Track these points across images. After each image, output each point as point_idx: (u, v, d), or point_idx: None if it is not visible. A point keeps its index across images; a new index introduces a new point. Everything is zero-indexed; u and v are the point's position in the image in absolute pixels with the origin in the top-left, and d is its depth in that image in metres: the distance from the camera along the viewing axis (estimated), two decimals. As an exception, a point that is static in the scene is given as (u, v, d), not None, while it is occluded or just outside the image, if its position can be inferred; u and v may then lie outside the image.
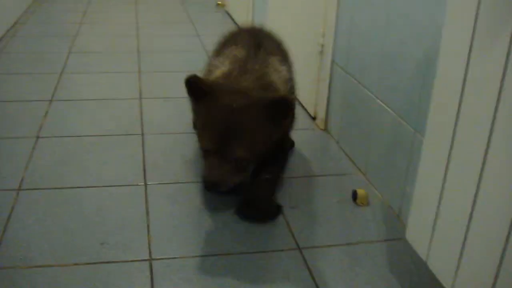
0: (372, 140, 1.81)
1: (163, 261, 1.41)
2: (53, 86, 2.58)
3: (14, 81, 2.66)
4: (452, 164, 1.08)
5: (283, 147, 1.84)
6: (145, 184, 1.77)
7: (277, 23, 2.69)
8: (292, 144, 2.04)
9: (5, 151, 1.96)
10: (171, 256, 1.43)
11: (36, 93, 2.49)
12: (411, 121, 1.54)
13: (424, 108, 1.41)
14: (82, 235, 1.50)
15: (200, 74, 1.48)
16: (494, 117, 0.95)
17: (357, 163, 1.94)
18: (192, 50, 3.32)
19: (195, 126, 1.75)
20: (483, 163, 0.98)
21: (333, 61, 2.13)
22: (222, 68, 1.65)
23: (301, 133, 2.05)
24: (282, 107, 1.46)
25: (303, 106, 2.43)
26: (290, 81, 1.72)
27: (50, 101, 2.41)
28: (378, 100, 1.74)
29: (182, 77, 1.46)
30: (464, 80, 1.03)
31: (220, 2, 4.60)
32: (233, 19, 4.07)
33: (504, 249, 0.93)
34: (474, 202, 1.01)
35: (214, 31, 3.81)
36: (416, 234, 1.24)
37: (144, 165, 1.89)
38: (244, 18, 3.67)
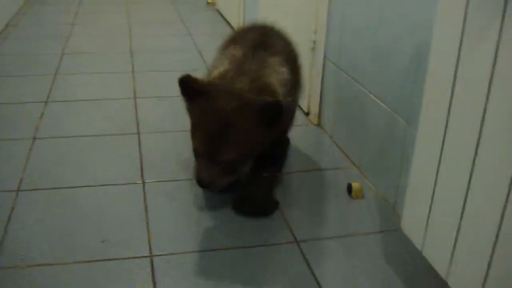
0: (366, 134, 1.83)
1: (163, 257, 1.43)
2: (48, 87, 2.59)
3: (9, 83, 2.66)
4: (444, 157, 1.11)
5: (282, 145, 1.84)
6: (143, 182, 1.79)
7: (268, 20, 2.70)
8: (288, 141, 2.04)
9: (3, 153, 1.97)
10: (172, 252, 1.45)
11: (31, 95, 2.49)
12: (404, 115, 1.56)
13: (416, 102, 1.44)
14: (82, 234, 1.52)
15: (192, 73, 1.49)
16: (484, 112, 0.98)
17: (351, 157, 1.97)
18: (184, 49, 3.33)
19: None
20: (475, 155, 1.01)
21: (325, 57, 2.15)
22: (220, 68, 1.61)
23: (295, 129, 2.06)
24: (275, 111, 1.42)
25: (296, 102, 2.45)
26: (289, 83, 1.64)
27: (46, 102, 2.41)
28: (371, 95, 1.76)
29: (175, 76, 1.47)
30: (455, 76, 1.06)
31: (210, 1, 4.58)
32: (224, 17, 4.08)
33: (497, 237, 0.96)
34: (467, 192, 1.04)
35: (206, 30, 3.83)
36: (411, 225, 1.26)
37: (141, 164, 1.90)
38: (235, 16, 3.67)
